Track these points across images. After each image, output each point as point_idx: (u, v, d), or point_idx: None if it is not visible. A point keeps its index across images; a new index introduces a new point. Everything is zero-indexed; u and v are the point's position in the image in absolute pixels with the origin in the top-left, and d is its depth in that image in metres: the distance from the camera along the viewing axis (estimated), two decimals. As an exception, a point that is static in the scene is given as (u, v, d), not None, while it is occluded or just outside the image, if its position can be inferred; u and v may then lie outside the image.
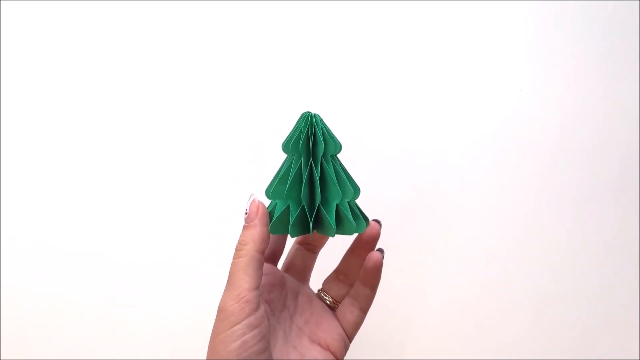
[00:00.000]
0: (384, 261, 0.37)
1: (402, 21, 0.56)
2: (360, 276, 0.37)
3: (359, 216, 0.36)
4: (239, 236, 0.34)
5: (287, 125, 0.36)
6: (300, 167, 0.35)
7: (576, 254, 0.56)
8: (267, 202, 0.37)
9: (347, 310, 0.38)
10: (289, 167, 0.35)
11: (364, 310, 0.38)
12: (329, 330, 0.37)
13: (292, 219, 0.35)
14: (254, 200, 0.35)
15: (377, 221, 0.37)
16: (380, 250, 0.37)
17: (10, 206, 0.56)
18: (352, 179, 0.37)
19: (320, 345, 0.36)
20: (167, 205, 0.56)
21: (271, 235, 0.35)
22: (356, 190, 0.36)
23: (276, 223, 0.35)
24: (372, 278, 0.37)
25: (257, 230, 0.34)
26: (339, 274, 0.39)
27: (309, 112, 0.34)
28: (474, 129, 0.56)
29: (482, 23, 0.56)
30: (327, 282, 0.40)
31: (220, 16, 0.56)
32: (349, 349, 0.38)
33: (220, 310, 0.32)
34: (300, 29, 0.56)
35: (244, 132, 0.56)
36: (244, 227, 0.34)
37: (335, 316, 0.38)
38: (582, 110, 0.56)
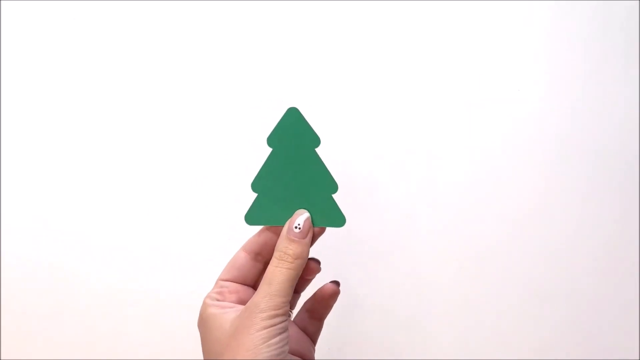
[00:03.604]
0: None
1: (398, 21, 0.56)
2: (317, 299, 0.39)
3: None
4: (281, 244, 0.35)
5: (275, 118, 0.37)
6: (292, 158, 0.37)
7: (576, 254, 0.56)
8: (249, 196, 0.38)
9: (308, 323, 0.40)
10: (279, 159, 0.38)
11: (322, 320, 0.40)
12: (303, 341, 0.40)
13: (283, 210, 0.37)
14: (308, 218, 0.36)
15: (336, 282, 0.39)
16: (335, 283, 0.39)
17: (11, 204, 0.56)
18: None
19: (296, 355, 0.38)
20: (167, 205, 0.56)
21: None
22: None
23: (264, 213, 0.37)
24: (328, 304, 0.39)
25: (307, 249, 0.36)
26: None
27: (294, 107, 0.38)
28: (471, 128, 0.56)
29: (480, 22, 0.56)
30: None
31: (212, 17, 0.56)
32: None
33: (259, 309, 0.33)
34: (294, 28, 0.56)
35: (238, 125, 0.56)
36: (294, 242, 0.35)
37: (296, 325, 0.40)
38: (581, 110, 0.56)
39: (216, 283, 0.38)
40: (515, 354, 0.55)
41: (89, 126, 0.56)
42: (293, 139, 0.38)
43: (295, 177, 0.37)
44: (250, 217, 0.38)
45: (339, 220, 0.37)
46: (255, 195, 0.38)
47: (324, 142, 0.38)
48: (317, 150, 0.38)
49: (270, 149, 0.38)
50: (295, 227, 0.36)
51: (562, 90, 0.56)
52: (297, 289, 0.40)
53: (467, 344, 0.55)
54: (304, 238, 0.35)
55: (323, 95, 0.56)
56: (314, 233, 0.37)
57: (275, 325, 0.32)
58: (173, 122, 0.56)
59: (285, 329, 0.33)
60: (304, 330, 0.40)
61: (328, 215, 0.37)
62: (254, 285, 0.39)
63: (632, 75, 0.56)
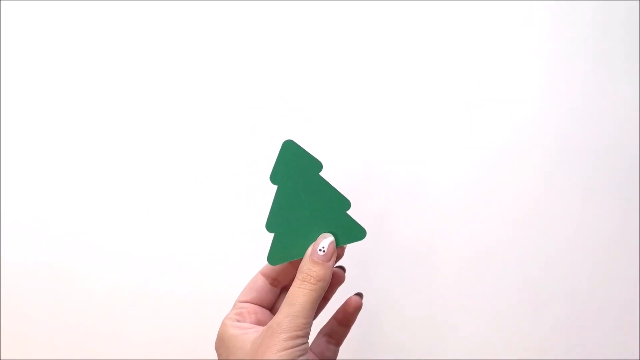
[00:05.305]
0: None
1: (398, 21, 0.56)
2: (339, 317, 0.40)
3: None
4: (305, 266, 0.35)
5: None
6: (299, 189, 0.37)
7: (576, 254, 0.56)
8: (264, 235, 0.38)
9: (325, 348, 0.40)
10: (287, 194, 0.37)
11: (339, 345, 0.41)
12: None
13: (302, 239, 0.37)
14: (332, 241, 0.36)
15: (359, 294, 0.40)
16: (359, 295, 0.40)
17: (11, 204, 0.56)
18: None
19: None
20: (167, 205, 0.56)
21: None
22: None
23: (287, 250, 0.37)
24: (350, 319, 0.40)
25: (330, 272, 0.36)
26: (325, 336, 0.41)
27: (288, 139, 0.37)
28: (472, 128, 0.56)
29: (480, 23, 0.56)
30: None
31: (212, 22, 0.56)
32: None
33: (281, 329, 0.33)
34: (302, 30, 0.56)
35: (237, 125, 0.56)
36: (318, 264, 0.35)
37: (312, 352, 0.40)
38: (581, 110, 0.56)
39: (235, 305, 0.38)
40: (515, 354, 0.55)
41: (88, 127, 0.57)
42: (295, 170, 0.37)
43: (307, 206, 0.37)
44: (273, 258, 0.38)
45: (359, 234, 0.37)
46: (272, 235, 0.38)
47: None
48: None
49: (274, 187, 0.38)
50: (320, 250, 0.36)
51: (562, 90, 0.56)
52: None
53: (467, 344, 0.55)
54: (328, 261, 0.36)
55: (324, 96, 0.56)
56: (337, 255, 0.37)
57: (296, 346, 0.33)
58: (170, 122, 0.56)
59: (305, 351, 0.34)
60: (320, 357, 0.40)
61: (348, 232, 0.37)
62: (271, 308, 0.40)
63: (632, 75, 0.56)
